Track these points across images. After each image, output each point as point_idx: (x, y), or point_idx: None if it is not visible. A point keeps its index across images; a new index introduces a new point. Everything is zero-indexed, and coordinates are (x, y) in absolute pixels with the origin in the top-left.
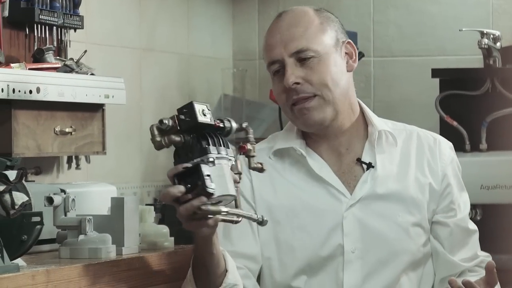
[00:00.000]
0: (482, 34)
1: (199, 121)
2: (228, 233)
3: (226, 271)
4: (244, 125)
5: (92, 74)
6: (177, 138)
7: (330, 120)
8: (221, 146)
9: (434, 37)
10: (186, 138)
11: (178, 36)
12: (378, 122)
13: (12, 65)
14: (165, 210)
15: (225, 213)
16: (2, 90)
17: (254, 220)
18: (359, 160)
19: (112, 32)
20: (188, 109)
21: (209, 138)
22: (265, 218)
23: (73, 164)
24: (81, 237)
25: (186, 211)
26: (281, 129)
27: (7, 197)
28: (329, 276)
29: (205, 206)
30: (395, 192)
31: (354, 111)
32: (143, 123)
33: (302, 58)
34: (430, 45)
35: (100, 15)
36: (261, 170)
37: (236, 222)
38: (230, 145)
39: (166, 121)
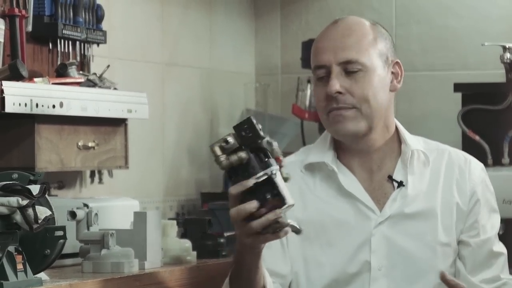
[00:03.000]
0: (505, 48)
1: (262, 136)
2: None
3: (264, 287)
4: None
5: (115, 88)
6: (245, 155)
7: (362, 135)
8: (271, 158)
9: (456, 52)
10: (250, 154)
11: (200, 51)
12: (412, 141)
13: (35, 79)
14: (188, 225)
15: (292, 225)
16: (26, 104)
17: (296, 230)
18: (390, 178)
19: (135, 47)
20: (248, 125)
21: (264, 152)
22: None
23: (96, 179)
24: (104, 251)
25: (261, 226)
26: (303, 144)
27: (30, 211)
28: None
29: (281, 219)
30: (424, 211)
31: (389, 129)
32: (166, 138)
33: (348, 69)
34: (452, 59)
35: (123, 30)
36: (286, 180)
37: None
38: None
39: (231, 140)
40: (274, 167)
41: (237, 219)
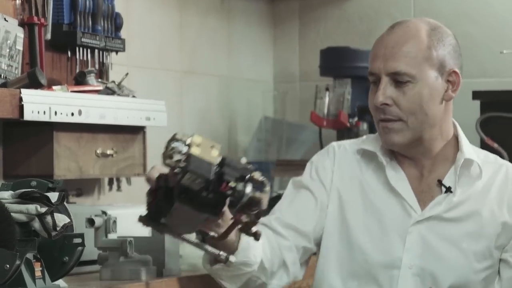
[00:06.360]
0: None
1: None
2: (291, 202)
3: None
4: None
5: (133, 96)
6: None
7: (409, 145)
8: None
9: (475, 59)
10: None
11: (218, 58)
12: (468, 150)
13: (54, 87)
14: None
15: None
16: (44, 112)
17: (216, 256)
18: (440, 182)
19: (153, 54)
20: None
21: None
22: (230, 259)
23: (114, 186)
24: (122, 258)
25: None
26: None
27: (48, 218)
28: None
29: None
30: (466, 219)
31: (444, 136)
32: None
33: (398, 80)
34: (471, 67)
35: (142, 38)
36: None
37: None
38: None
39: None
40: None
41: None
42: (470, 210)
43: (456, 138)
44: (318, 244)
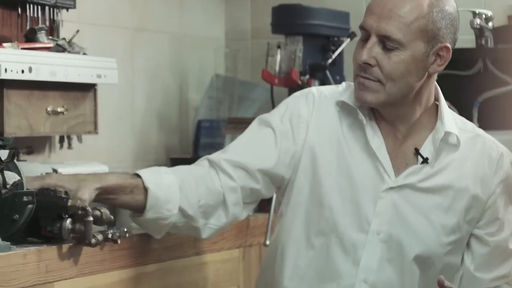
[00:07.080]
0: (474, 14)
1: None
2: (250, 139)
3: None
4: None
5: (84, 54)
6: None
7: (381, 106)
8: None
9: None
10: None
11: (170, 16)
12: (449, 122)
13: (4, 44)
14: None
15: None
16: None
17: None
18: (417, 151)
19: (104, 12)
20: None
21: None
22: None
23: (65, 144)
24: None
25: None
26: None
27: None
28: (348, 250)
29: None
30: (439, 191)
31: (423, 105)
32: (135, 103)
33: (386, 43)
34: None
35: None
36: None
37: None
38: None
39: None
40: None
41: None
42: (444, 181)
43: (436, 105)
44: (270, 189)
